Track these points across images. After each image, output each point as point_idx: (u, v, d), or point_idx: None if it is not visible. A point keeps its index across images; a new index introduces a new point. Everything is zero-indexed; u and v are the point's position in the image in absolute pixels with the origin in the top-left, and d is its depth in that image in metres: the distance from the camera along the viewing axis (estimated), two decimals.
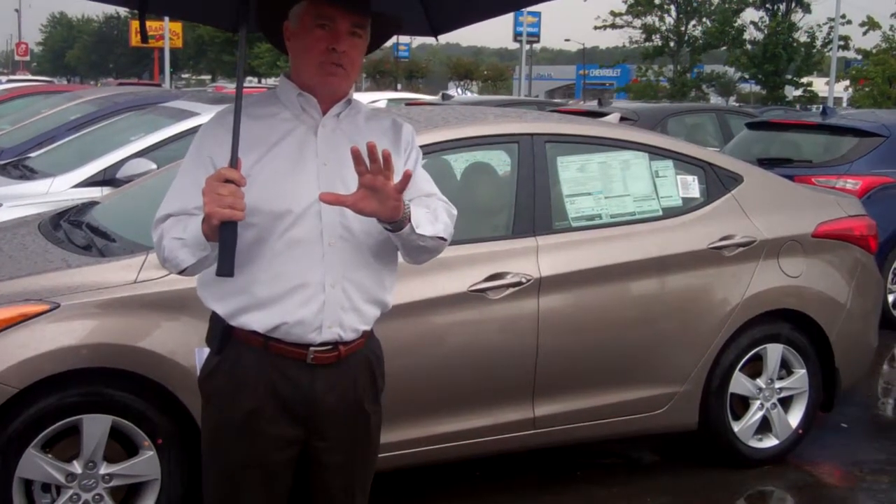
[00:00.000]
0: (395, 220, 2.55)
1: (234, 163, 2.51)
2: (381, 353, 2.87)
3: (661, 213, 5.07)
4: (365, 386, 2.77)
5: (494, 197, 4.88)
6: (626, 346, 4.85)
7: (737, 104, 42.62)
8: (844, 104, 44.33)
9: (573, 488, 5.07)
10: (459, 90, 58.00)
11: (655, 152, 5.17)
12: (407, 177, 2.48)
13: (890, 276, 8.91)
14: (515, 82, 60.66)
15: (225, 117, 2.66)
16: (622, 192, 5.00)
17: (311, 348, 2.64)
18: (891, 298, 8.87)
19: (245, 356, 2.66)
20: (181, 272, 2.60)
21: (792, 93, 45.76)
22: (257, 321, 2.61)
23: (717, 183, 5.26)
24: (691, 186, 5.20)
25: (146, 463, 3.96)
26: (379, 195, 2.47)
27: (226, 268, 2.47)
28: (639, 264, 4.88)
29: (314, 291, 2.60)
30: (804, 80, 45.28)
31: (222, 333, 2.67)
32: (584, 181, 4.92)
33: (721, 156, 5.75)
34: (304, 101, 2.69)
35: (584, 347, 4.74)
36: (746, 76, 46.93)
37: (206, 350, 2.76)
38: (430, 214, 2.67)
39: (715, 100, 49.51)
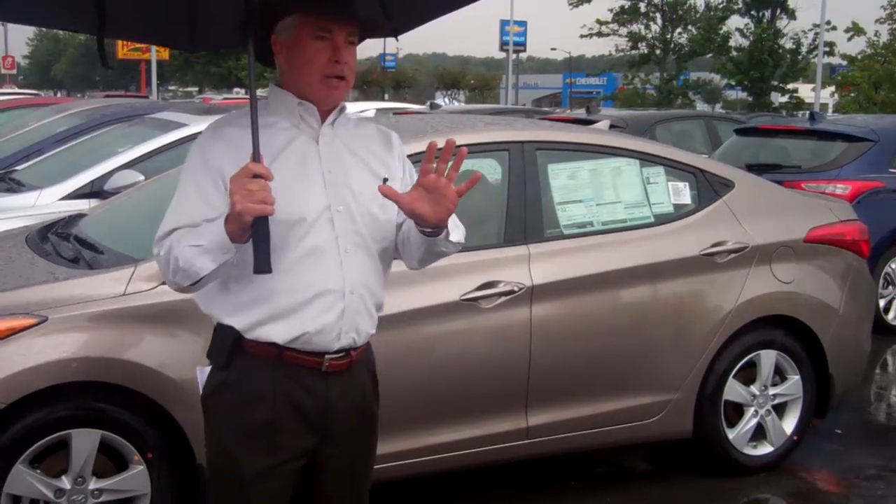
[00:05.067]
0: (441, 226, 2.58)
1: (258, 158, 2.48)
2: (374, 356, 2.88)
3: (652, 219, 5.04)
4: (370, 389, 2.81)
5: (485, 205, 4.84)
6: (619, 353, 4.82)
7: (723, 111, 42.71)
8: (830, 110, 44.46)
9: (567, 498, 5.04)
10: (447, 100, 58.07)
11: (646, 159, 5.15)
12: (476, 179, 2.55)
13: (881, 280, 8.90)
14: (502, 91, 60.68)
15: (221, 129, 2.64)
16: (613, 200, 4.98)
17: (327, 356, 2.64)
18: (882, 303, 8.87)
19: (256, 369, 2.62)
20: (193, 284, 2.53)
21: (778, 99, 45.88)
22: (277, 332, 2.59)
23: (709, 189, 5.24)
24: (682, 193, 5.18)
25: (136, 477, 3.92)
26: (434, 197, 2.51)
27: (262, 264, 2.44)
28: (631, 271, 4.85)
29: (335, 299, 2.60)
30: (790, 86, 45.37)
31: (231, 347, 2.62)
32: (575, 188, 4.90)
33: (712, 162, 5.73)
34: (303, 111, 2.67)
35: (578, 356, 4.71)
36: (732, 83, 47.04)
37: (208, 368, 2.71)
38: (451, 221, 2.69)
39: (701, 107, 49.62)
